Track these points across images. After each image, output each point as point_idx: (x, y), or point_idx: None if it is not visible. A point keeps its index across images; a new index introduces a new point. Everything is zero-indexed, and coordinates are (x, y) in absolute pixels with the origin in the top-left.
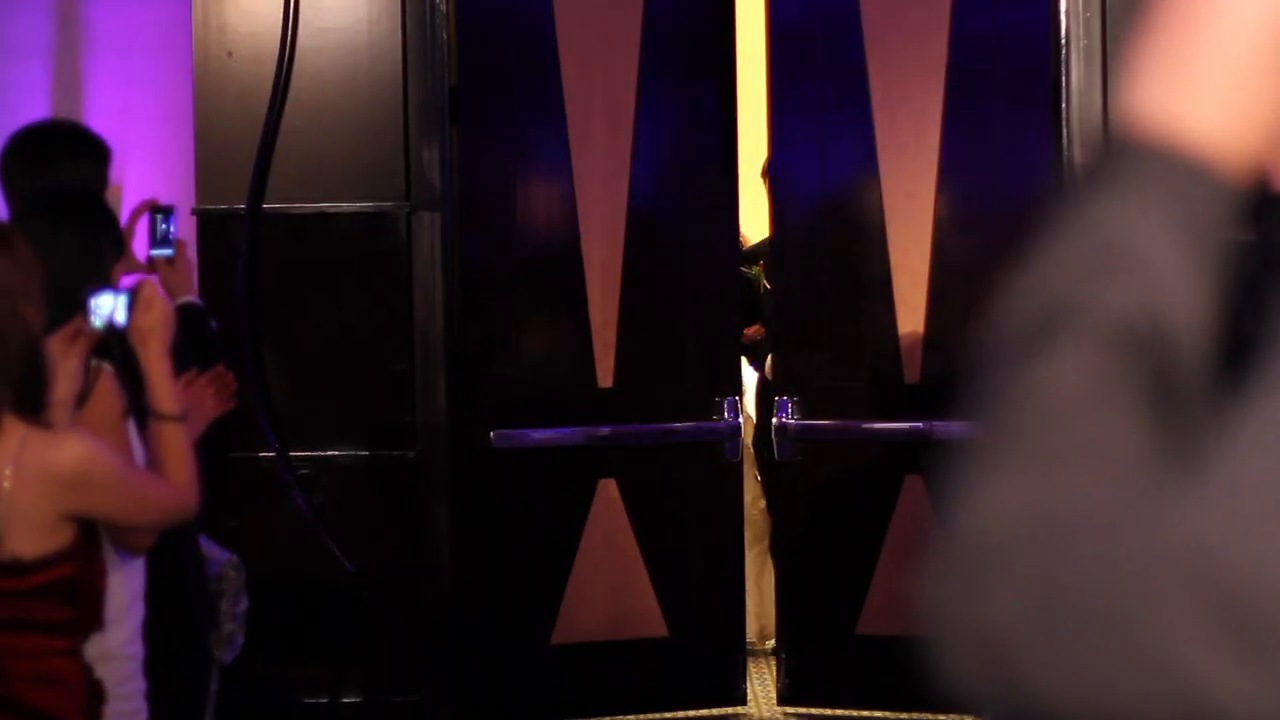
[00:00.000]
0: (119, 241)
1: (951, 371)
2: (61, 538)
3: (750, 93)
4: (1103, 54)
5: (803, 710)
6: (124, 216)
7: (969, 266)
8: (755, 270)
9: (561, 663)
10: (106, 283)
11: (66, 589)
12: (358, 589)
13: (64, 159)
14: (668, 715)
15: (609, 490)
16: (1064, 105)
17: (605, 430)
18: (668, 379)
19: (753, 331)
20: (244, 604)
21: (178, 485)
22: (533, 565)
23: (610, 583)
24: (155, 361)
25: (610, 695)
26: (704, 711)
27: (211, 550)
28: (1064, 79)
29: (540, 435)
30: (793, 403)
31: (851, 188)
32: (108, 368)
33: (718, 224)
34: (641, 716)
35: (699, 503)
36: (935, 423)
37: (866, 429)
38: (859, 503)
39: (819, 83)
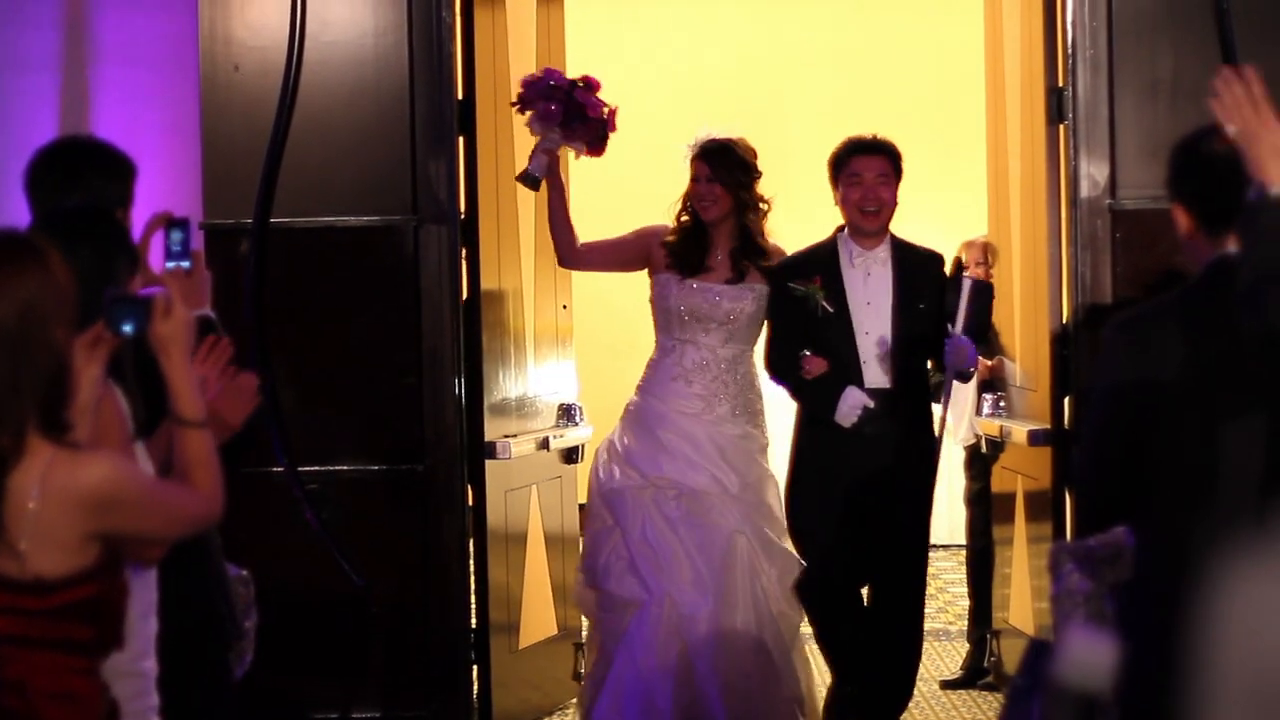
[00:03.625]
0: (134, 258)
1: None
2: (85, 557)
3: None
4: (1109, 65)
5: None
6: (133, 230)
7: None
8: (811, 288)
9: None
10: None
11: (89, 609)
12: (368, 603)
13: (92, 175)
14: None
15: None
16: (1071, 116)
17: None
18: None
19: (815, 367)
20: (253, 619)
21: (202, 492)
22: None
23: None
24: (177, 368)
25: None
26: None
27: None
28: (1071, 90)
29: None
30: None
31: None
32: (112, 384)
33: None
34: None
35: None
36: None
37: None
38: None
39: None
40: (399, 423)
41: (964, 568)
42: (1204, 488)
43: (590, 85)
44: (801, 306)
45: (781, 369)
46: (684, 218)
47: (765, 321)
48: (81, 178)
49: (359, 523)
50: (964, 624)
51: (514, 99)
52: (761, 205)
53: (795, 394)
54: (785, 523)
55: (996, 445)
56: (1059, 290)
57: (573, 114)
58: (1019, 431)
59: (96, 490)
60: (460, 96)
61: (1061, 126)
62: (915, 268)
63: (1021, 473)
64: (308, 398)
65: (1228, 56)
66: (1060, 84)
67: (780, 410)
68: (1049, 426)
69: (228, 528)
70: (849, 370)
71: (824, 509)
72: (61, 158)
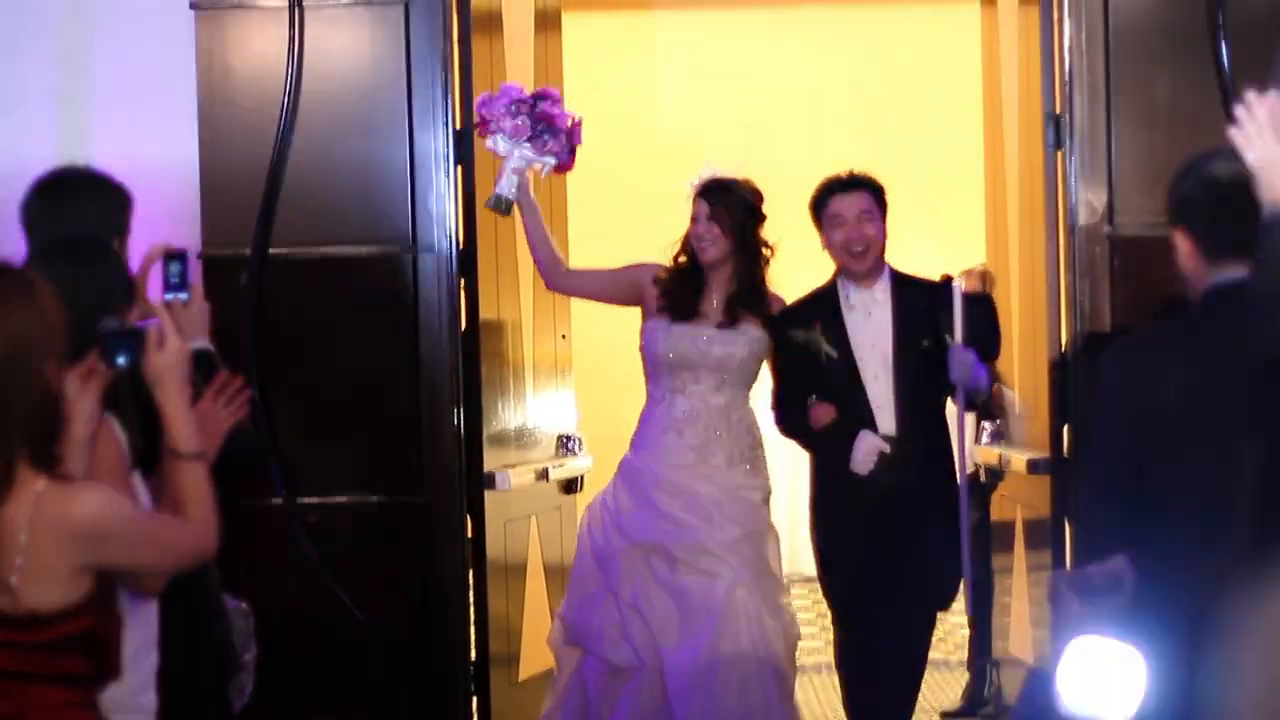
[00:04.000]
0: (130, 288)
1: None
2: (78, 590)
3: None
4: (1107, 91)
5: None
6: (131, 262)
7: None
8: (812, 334)
9: None
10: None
11: (83, 641)
12: (367, 635)
13: (88, 205)
14: None
15: None
16: (1069, 142)
17: None
18: None
19: (823, 415)
20: (252, 651)
21: (196, 526)
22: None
23: None
24: (172, 400)
25: None
26: None
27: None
28: (1069, 116)
29: None
30: None
31: None
32: (108, 417)
33: None
34: None
35: None
36: None
37: None
38: None
39: None
40: (398, 454)
41: (963, 597)
42: (1205, 514)
43: (552, 97)
44: (805, 355)
45: (791, 422)
46: (681, 258)
47: (766, 368)
48: (78, 208)
49: (358, 554)
50: (964, 653)
51: (475, 122)
52: (764, 251)
53: (808, 446)
54: (784, 581)
55: (995, 474)
56: (1057, 317)
57: (541, 127)
58: (1018, 460)
59: (87, 523)
60: (458, 126)
61: (1059, 153)
62: (916, 302)
63: (1021, 501)
64: (306, 429)
65: (1225, 83)
66: (1058, 110)
67: (780, 452)
68: (1048, 455)
69: (227, 560)
70: (860, 417)
71: (852, 567)
72: (57, 188)
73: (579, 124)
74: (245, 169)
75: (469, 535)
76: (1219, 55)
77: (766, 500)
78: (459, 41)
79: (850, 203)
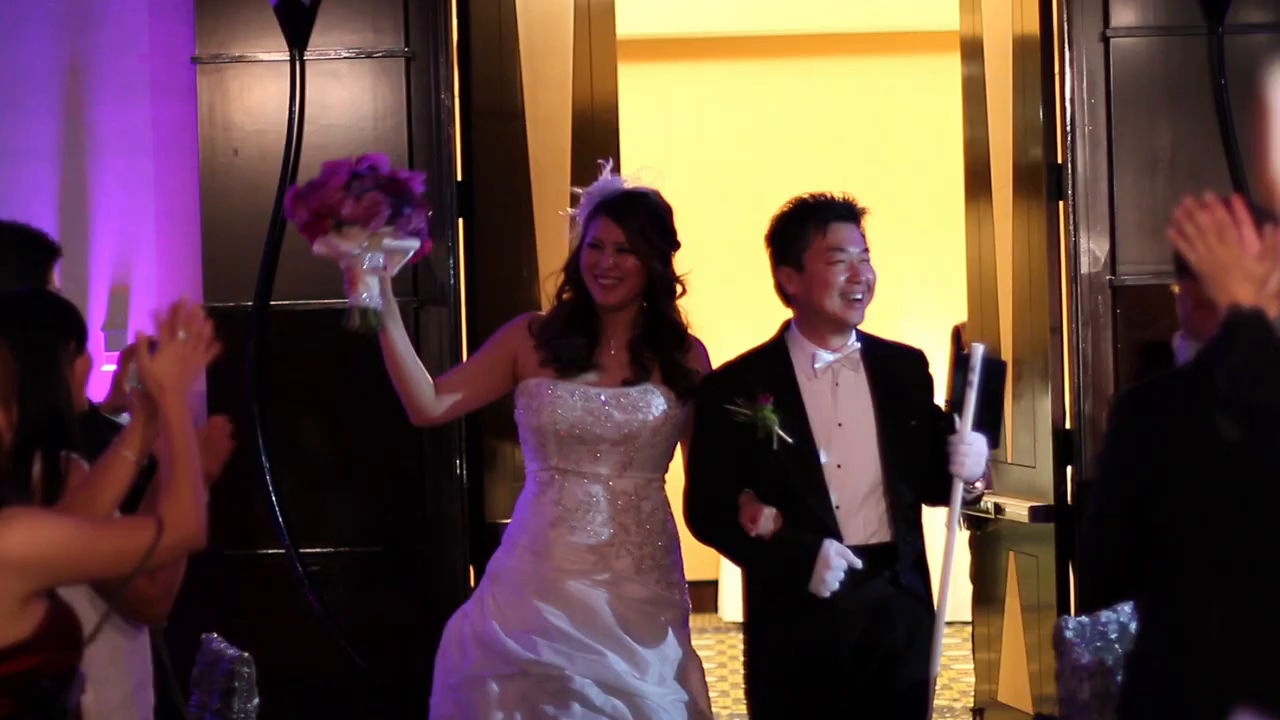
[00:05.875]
0: (80, 339)
1: None
2: (21, 628)
3: None
4: (1108, 141)
5: None
6: (131, 314)
7: None
8: (760, 410)
9: None
10: (57, 383)
11: (25, 682)
12: (370, 684)
13: (10, 258)
14: None
15: None
16: (1071, 192)
17: None
18: None
19: (760, 518)
20: (254, 701)
21: (168, 518)
22: None
23: None
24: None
25: None
26: None
27: (222, 648)
28: (1070, 166)
29: None
30: None
31: None
32: (75, 458)
33: None
34: None
35: None
36: None
37: None
38: None
39: None
40: (401, 504)
41: (969, 644)
42: (1211, 562)
43: (385, 161)
44: (743, 437)
45: (713, 525)
46: (566, 294)
47: (683, 448)
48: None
49: (361, 604)
50: (969, 700)
51: (299, 215)
52: (676, 287)
53: (739, 558)
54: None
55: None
56: (1060, 366)
57: (399, 199)
58: (1018, 507)
59: (15, 553)
60: (459, 178)
61: (1061, 202)
62: (897, 372)
63: (1014, 548)
64: (309, 479)
65: (1226, 132)
66: (1059, 160)
67: None
68: (1049, 502)
69: (229, 609)
70: (818, 521)
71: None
72: None
73: (429, 205)
74: (246, 221)
75: (471, 585)
76: (1220, 105)
77: (684, 622)
78: (459, 93)
79: (850, 234)
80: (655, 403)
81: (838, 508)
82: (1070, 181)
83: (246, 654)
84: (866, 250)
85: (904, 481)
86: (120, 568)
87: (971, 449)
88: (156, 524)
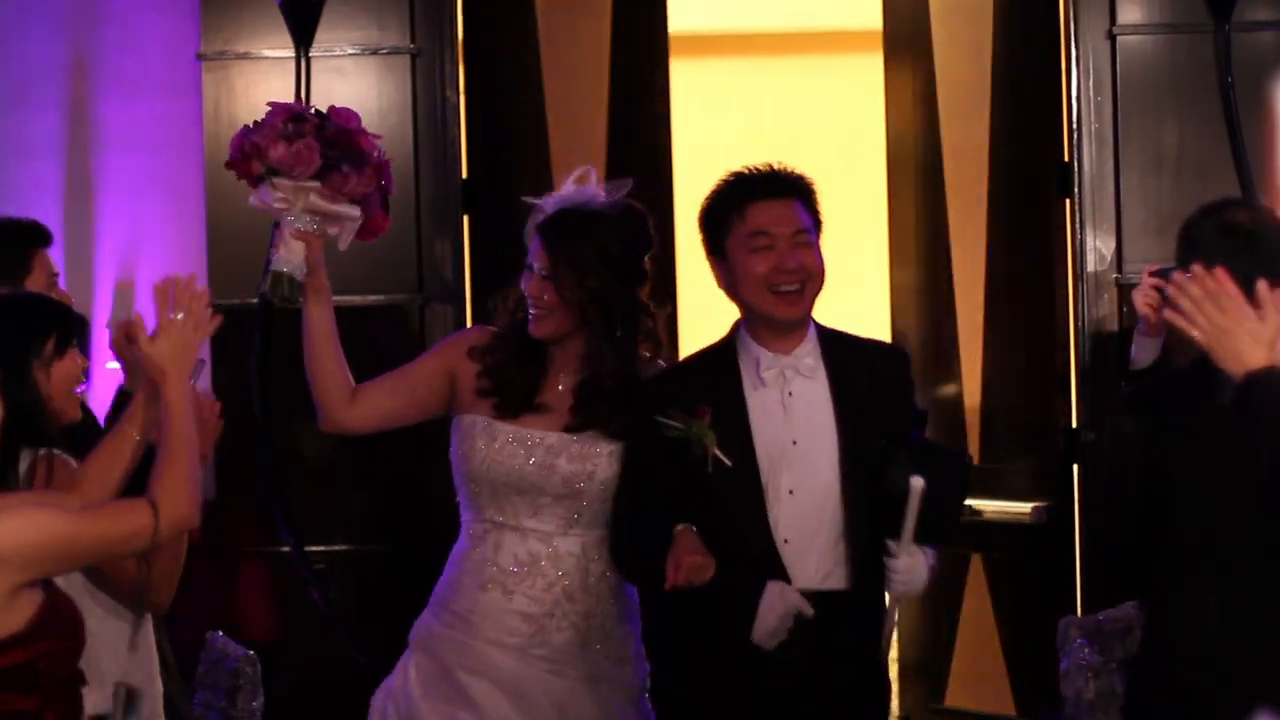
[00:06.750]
0: (62, 338)
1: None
2: (13, 620)
3: None
4: (1114, 139)
5: None
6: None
7: None
8: (695, 426)
9: None
10: (27, 385)
11: (25, 676)
12: (376, 685)
13: None
14: None
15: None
16: (1077, 190)
17: None
18: None
19: (688, 563)
20: (259, 700)
21: (168, 496)
22: None
23: None
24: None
25: None
26: None
27: (227, 646)
28: (1077, 164)
29: None
30: None
31: None
32: (61, 455)
33: None
34: None
35: None
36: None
37: None
38: None
39: None
40: (405, 502)
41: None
42: (1212, 560)
43: (349, 114)
44: (677, 455)
45: (637, 560)
46: (518, 314)
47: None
48: None
49: (365, 602)
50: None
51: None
52: (643, 319)
53: (657, 602)
54: None
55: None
56: (1067, 365)
57: (336, 153)
58: (1021, 507)
59: (7, 543)
60: (465, 175)
61: (1067, 201)
62: (865, 377)
63: (985, 554)
64: (314, 477)
65: (1233, 130)
66: (1066, 159)
67: None
68: (1049, 503)
69: (235, 607)
70: (759, 559)
71: None
72: None
73: (388, 163)
74: (252, 218)
75: None
76: (1226, 103)
77: (640, 699)
78: (465, 90)
79: (778, 214)
80: (609, 453)
81: (785, 542)
82: (1076, 180)
83: (251, 652)
84: (806, 230)
85: (867, 513)
86: (114, 551)
87: (908, 574)
88: (150, 506)
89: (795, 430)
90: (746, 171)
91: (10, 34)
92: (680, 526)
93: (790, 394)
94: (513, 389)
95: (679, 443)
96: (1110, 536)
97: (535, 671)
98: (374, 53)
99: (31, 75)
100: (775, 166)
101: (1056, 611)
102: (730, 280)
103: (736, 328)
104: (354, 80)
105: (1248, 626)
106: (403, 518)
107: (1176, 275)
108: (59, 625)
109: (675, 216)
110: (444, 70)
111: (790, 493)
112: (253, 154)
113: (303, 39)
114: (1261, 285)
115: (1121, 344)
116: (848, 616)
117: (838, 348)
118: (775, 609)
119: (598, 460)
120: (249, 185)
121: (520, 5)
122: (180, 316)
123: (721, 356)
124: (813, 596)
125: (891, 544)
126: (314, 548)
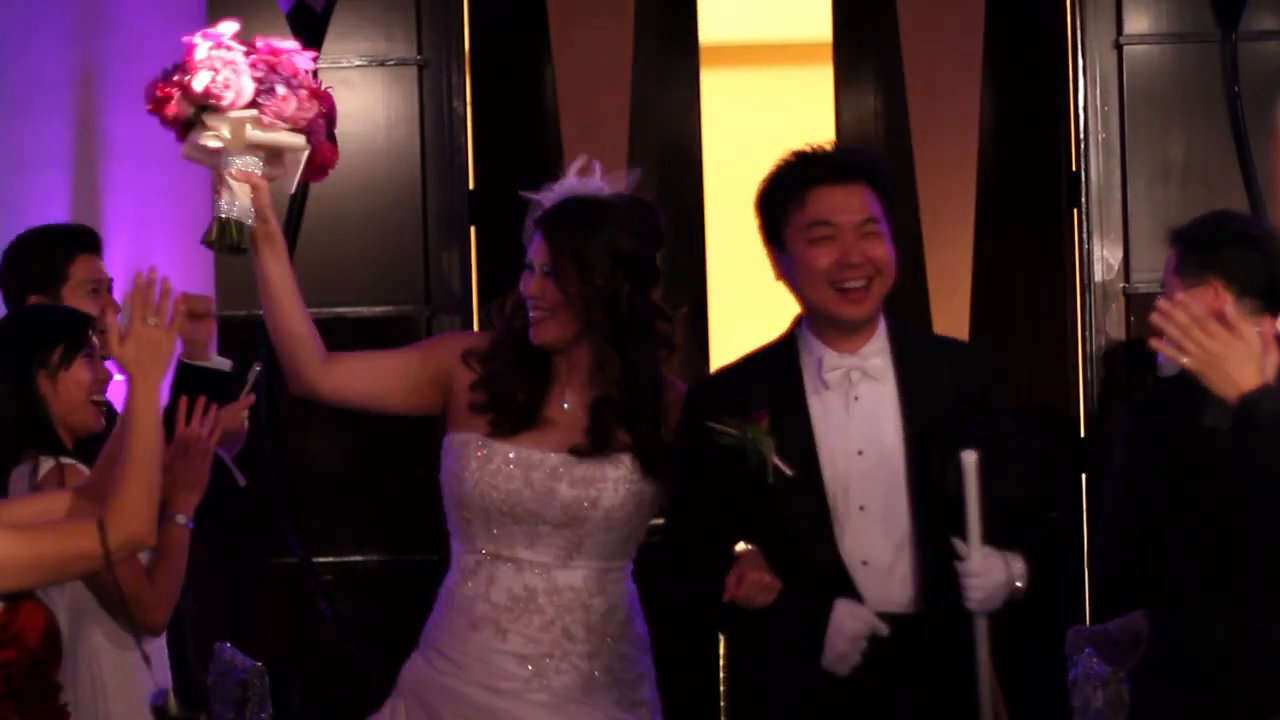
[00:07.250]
0: (71, 347)
1: None
2: None
3: None
4: (1121, 149)
5: None
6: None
7: None
8: (751, 431)
9: None
10: (32, 401)
11: None
12: (384, 695)
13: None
14: None
15: None
16: (1084, 200)
17: None
18: None
19: (753, 582)
20: (267, 711)
21: (118, 515)
22: None
23: None
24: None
25: None
26: None
27: (235, 657)
28: (1084, 174)
29: None
30: None
31: None
32: (72, 464)
33: None
34: None
35: None
36: None
37: None
38: None
39: None
40: (413, 513)
41: None
42: (1218, 566)
43: (268, 49)
44: (732, 466)
45: (689, 579)
46: (516, 321)
47: (644, 507)
48: None
49: (374, 613)
50: None
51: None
52: (659, 324)
53: (723, 624)
54: None
55: None
56: (1076, 374)
57: (269, 74)
58: None
59: None
60: (472, 186)
61: (1074, 210)
62: (940, 379)
63: None
64: (322, 488)
65: (1240, 140)
66: (1074, 169)
67: None
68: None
69: (243, 619)
70: (827, 581)
71: None
72: None
73: (330, 97)
74: None
75: None
76: (1233, 112)
77: None
78: (472, 101)
79: (843, 200)
80: (616, 478)
81: (864, 564)
82: (1084, 189)
83: (259, 664)
84: (875, 219)
85: (940, 528)
86: (60, 575)
87: (983, 578)
88: (97, 528)
89: (860, 439)
90: (809, 150)
91: (17, 45)
92: (743, 547)
93: (856, 398)
94: (511, 403)
95: (734, 451)
96: (1108, 544)
97: (537, 715)
98: (381, 64)
99: (39, 86)
100: (846, 148)
101: (1065, 621)
102: (789, 273)
103: (797, 323)
104: (361, 91)
105: (1265, 628)
106: (410, 528)
107: (1161, 303)
108: (14, 636)
109: (706, 232)
110: (451, 81)
111: (861, 509)
112: (175, 90)
113: (310, 50)
114: (1229, 307)
115: (1129, 353)
116: (929, 641)
117: (911, 348)
118: (844, 631)
119: (603, 485)
120: (178, 138)
121: (531, 15)
122: (152, 321)
123: (781, 356)
124: (889, 620)
125: (960, 545)
126: (321, 558)
